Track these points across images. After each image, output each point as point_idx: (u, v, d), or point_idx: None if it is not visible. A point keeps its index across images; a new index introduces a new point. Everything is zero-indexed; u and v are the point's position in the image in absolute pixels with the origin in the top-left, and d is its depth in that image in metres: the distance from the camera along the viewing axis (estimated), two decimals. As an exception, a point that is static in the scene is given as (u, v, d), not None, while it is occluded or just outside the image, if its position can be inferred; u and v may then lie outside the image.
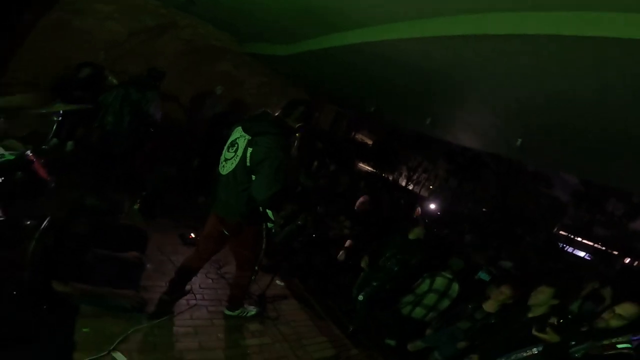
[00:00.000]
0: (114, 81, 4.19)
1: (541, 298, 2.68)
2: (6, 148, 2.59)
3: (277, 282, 3.60)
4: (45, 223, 2.25)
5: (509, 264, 4.26)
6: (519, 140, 4.13)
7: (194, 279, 2.82)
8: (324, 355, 2.87)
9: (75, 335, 1.95)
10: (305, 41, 4.25)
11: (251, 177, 2.24)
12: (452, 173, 10.87)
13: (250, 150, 2.20)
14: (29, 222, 2.52)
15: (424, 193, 12.34)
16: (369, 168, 12.02)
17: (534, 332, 2.41)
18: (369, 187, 8.34)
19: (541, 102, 2.99)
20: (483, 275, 3.95)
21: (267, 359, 2.52)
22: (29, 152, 2.69)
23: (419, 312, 3.45)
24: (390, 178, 12.21)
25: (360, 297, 3.39)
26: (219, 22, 5.44)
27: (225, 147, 2.39)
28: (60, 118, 3.44)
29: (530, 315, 2.69)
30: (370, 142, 12.20)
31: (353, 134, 11.18)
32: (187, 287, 2.80)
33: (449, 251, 4.31)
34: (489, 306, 3.10)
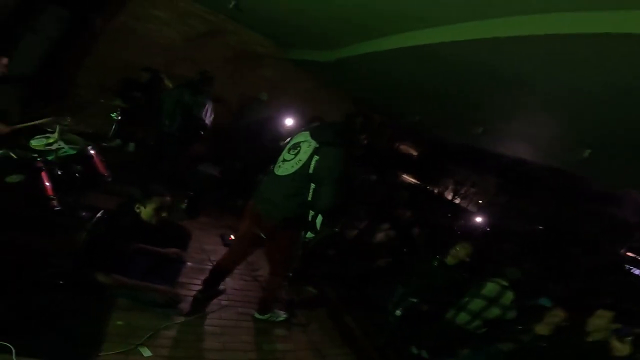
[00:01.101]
0: (170, 84, 4.40)
1: (598, 323, 2.43)
2: (67, 142, 2.83)
3: (310, 289, 3.55)
4: (98, 215, 2.42)
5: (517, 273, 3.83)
6: (587, 151, 3.69)
7: (228, 279, 2.86)
8: (348, 368, 2.73)
9: (109, 327, 2.03)
10: (346, 47, 4.22)
11: (309, 185, 2.24)
12: (502, 187, 10.08)
13: (316, 158, 2.20)
14: (83, 214, 2.75)
15: (472, 208, 11.61)
16: (413, 180, 11.57)
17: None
18: (412, 199, 8.04)
19: (608, 109, 2.65)
20: (544, 301, 3.55)
21: (289, 368, 2.45)
22: (89, 147, 2.94)
23: (462, 317, 3.16)
24: (436, 191, 11.61)
25: (398, 312, 3.22)
26: (263, 29, 5.64)
27: (286, 149, 2.41)
28: (119, 117, 3.69)
29: (589, 339, 2.44)
30: (415, 153, 11.75)
31: (397, 144, 10.82)
32: (222, 287, 2.84)
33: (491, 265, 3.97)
34: (542, 329, 2.78)
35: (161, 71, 4.87)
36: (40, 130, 2.57)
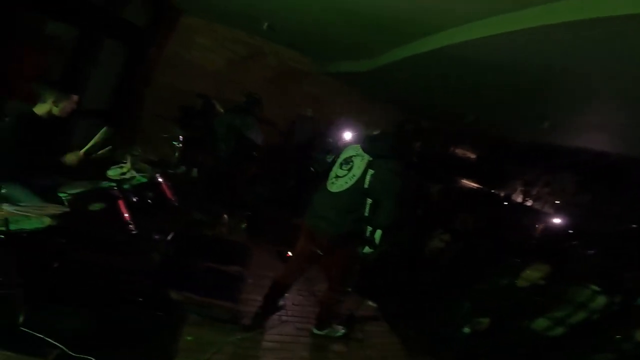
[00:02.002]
0: (221, 109, 4.55)
1: None
2: (139, 171, 3.12)
3: (369, 303, 3.45)
4: (169, 237, 2.67)
5: None
6: None
7: (287, 295, 2.91)
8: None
9: (180, 342, 2.19)
10: (385, 53, 4.14)
11: (365, 200, 2.20)
12: (583, 185, 8.90)
13: (371, 172, 2.16)
14: (156, 236, 3.04)
15: (547, 210, 10.48)
16: (475, 185, 10.82)
17: None
18: (474, 205, 7.51)
19: None
20: None
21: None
22: (157, 175, 3.27)
23: (541, 323, 2.82)
24: (502, 194, 10.70)
25: (467, 330, 2.96)
26: (300, 46, 5.79)
27: (337, 164, 2.40)
28: (180, 145, 3.98)
29: None
30: (473, 156, 11.03)
31: (452, 148, 10.30)
32: (281, 302, 2.90)
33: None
34: None
35: (212, 97, 5.15)
36: (114, 161, 2.96)
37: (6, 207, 1.68)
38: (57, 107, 2.45)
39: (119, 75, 5.09)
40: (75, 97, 2.56)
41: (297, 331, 2.76)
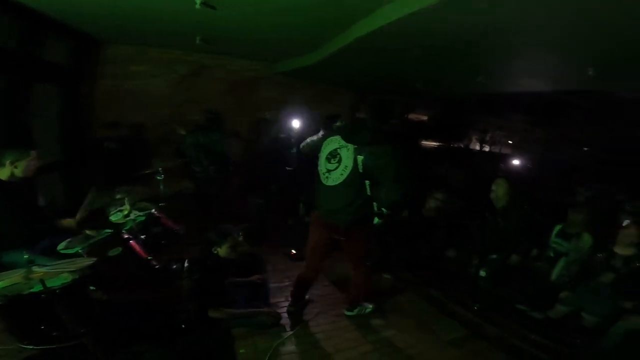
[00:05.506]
0: (183, 132, 4.41)
1: None
2: (140, 210, 3.11)
3: (385, 276, 3.66)
4: (186, 263, 2.70)
5: None
6: (591, 69, 3.83)
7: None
8: (457, 335, 2.80)
9: (236, 356, 2.27)
10: (327, 44, 4.26)
11: (364, 183, 2.37)
12: (533, 123, 9.92)
13: (360, 158, 2.32)
14: (174, 266, 3.04)
15: (505, 151, 11.57)
16: (434, 143, 11.53)
17: None
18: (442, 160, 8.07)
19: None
20: None
21: (401, 349, 2.57)
22: (153, 210, 3.23)
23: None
24: (462, 146, 11.51)
25: (482, 273, 3.17)
26: (243, 54, 5.74)
27: (324, 159, 2.53)
28: (162, 177, 3.90)
29: None
30: (424, 118, 11.67)
31: (406, 116, 10.83)
32: (307, 297, 3.04)
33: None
34: (622, 249, 2.76)
35: (172, 122, 5.02)
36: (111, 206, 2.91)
37: (37, 269, 1.65)
38: (17, 167, 2.34)
39: (61, 121, 4.67)
40: (34, 153, 2.43)
41: (332, 318, 2.90)
